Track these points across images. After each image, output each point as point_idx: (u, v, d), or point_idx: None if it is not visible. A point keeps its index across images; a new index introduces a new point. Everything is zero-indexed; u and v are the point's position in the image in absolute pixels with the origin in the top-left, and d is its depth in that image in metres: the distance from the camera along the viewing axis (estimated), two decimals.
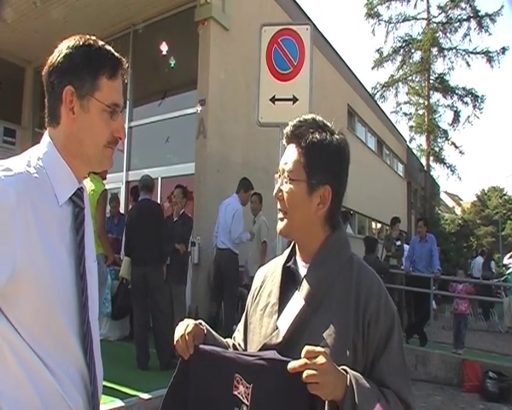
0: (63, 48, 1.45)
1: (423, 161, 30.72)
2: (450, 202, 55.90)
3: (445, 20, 28.41)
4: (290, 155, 1.60)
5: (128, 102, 11.35)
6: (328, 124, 1.64)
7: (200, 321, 1.62)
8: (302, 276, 1.57)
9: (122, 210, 10.26)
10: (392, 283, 10.74)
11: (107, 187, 10.13)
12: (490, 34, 28.39)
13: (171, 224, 7.18)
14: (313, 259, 1.57)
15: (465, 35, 28.24)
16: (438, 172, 36.69)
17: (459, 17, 28.27)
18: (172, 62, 10.67)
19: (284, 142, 1.65)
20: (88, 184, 5.63)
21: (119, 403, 4.63)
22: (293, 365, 1.32)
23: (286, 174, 1.58)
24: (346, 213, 10.64)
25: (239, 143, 9.96)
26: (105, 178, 6.13)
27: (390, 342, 1.46)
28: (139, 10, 10.73)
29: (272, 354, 1.45)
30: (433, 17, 28.88)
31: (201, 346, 1.54)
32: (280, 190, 1.59)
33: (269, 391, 1.40)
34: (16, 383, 1.30)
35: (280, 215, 1.62)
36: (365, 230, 19.97)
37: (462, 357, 8.80)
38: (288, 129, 1.62)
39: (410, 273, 10.17)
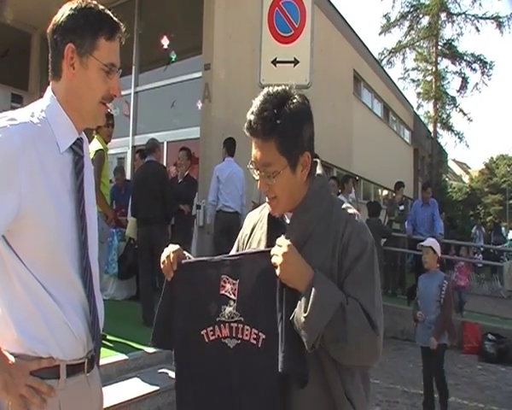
0: (66, 9, 1.58)
1: (431, 127, 30.49)
2: (458, 170, 55.64)
3: None
4: (264, 151, 1.63)
5: (134, 68, 11.35)
6: (280, 89, 1.66)
7: (185, 252, 1.77)
8: (288, 224, 1.71)
9: (128, 174, 10.39)
10: (395, 246, 10.89)
11: (113, 151, 10.29)
12: None
13: (175, 185, 7.31)
14: (297, 208, 1.69)
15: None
16: (445, 139, 36.45)
17: None
18: (173, 56, 10.71)
19: (246, 132, 1.67)
20: (93, 145, 5.62)
21: (125, 356, 4.82)
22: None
23: (268, 170, 1.63)
24: (348, 177, 10.71)
25: (244, 108, 9.67)
26: (108, 142, 6.10)
27: (358, 262, 1.57)
28: None
29: (253, 249, 1.68)
30: None
31: (185, 261, 1.72)
32: (266, 185, 1.66)
33: (252, 282, 1.60)
34: (25, 309, 1.47)
35: (268, 199, 1.71)
36: (371, 196, 19.98)
37: (462, 320, 8.96)
38: (252, 124, 1.63)
39: (411, 237, 10.22)
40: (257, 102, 1.65)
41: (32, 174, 1.43)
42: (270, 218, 1.78)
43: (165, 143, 10.18)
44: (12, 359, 1.43)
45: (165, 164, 9.70)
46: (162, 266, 1.71)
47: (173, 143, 10.03)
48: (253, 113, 1.64)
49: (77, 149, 1.61)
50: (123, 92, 10.85)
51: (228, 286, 1.62)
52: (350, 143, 16.50)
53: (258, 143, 1.64)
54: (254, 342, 1.58)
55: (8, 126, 1.42)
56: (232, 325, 1.61)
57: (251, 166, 1.69)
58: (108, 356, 4.67)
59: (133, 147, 11.04)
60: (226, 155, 8.06)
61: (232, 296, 1.61)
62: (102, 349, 1.70)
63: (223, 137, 9.08)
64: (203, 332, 1.65)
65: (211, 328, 1.64)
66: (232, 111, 9.63)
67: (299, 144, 1.63)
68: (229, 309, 1.61)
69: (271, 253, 1.56)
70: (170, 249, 1.72)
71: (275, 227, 1.73)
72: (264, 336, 1.57)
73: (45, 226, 1.46)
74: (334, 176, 10.78)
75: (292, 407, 1.57)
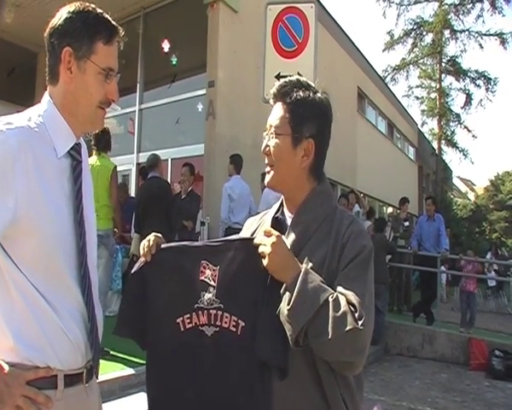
0: (64, 12, 1.56)
1: (435, 145, 30.52)
2: (463, 187, 55.45)
3: (457, 2, 27.68)
4: (276, 112, 1.72)
5: (138, 85, 11.48)
6: (312, 84, 1.74)
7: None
8: (289, 225, 1.69)
9: (132, 191, 10.41)
10: (401, 263, 10.83)
11: (118, 169, 10.37)
12: (503, 15, 28.11)
13: (179, 201, 7.31)
14: (298, 209, 1.69)
15: (478, 16, 27.67)
16: (450, 156, 36.51)
17: None
18: (174, 60, 10.82)
19: (271, 101, 1.76)
20: (96, 162, 5.81)
21: (130, 371, 4.80)
22: (255, 241, 1.58)
23: (272, 130, 1.69)
24: (349, 192, 10.76)
25: (248, 124, 10.02)
26: None
27: (352, 262, 1.55)
28: None
29: (235, 236, 1.68)
30: None
31: (165, 245, 1.69)
32: (267, 146, 1.71)
33: (233, 269, 1.58)
34: (21, 318, 1.43)
35: (267, 169, 1.73)
36: (376, 213, 19.93)
37: (469, 336, 8.88)
38: (274, 89, 1.74)
39: (417, 253, 10.19)
40: (285, 79, 1.75)
41: (29, 179, 1.40)
42: (273, 219, 1.78)
43: (169, 161, 10.23)
44: (7, 368, 1.40)
45: (169, 181, 9.73)
46: (141, 249, 1.68)
47: (178, 160, 10.06)
48: (277, 85, 1.74)
49: (75, 154, 1.59)
50: (128, 110, 11.12)
51: (208, 272, 1.59)
52: (354, 160, 16.51)
53: (275, 106, 1.74)
54: (234, 329, 1.56)
55: (5, 130, 1.40)
56: (211, 311, 1.58)
57: (265, 132, 1.74)
58: (111, 371, 4.64)
59: (137, 164, 11.11)
60: (234, 172, 8.04)
61: (212, 283, 1.59)
62: (105, 364, 1.68)
63: (227, 153, 9.10)
64: (179, 320, 1.61)
65: (188, 315, 1.60)
66: (236, 128, 9.67)
67: (306, 126, 1.67)
68: (208, 296, 1.58)
69: (258, 242, 1.56)
70: (151, 234, 1.71)
71: (277, 228, 1.70)
72: (243, 324, 1.55)
73: (42, 232, 1.44)
74: (344, 194, 10.73)
75: (284, 401, 1.54)
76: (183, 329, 1.61)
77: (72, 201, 1.54)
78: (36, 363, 1.44)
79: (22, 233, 1.42)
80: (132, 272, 1.69)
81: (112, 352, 5.07)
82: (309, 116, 1.67)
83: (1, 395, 1.36)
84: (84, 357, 1.55)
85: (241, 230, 6.10)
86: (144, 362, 4.99)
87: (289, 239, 1.63)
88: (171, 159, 10.33)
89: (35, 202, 1.42)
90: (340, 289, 1.50)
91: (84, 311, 1.55)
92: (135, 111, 11.44)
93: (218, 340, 1.57)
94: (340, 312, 1.42)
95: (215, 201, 8.91)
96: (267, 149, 1.71)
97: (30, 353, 1.43)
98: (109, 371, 4.57)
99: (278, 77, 5.07)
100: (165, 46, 11.14)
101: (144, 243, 1.68)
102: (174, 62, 11.11)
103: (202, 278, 1.60)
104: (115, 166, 5.96)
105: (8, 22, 9.76)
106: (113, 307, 7.71)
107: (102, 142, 5.92)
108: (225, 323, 1.56)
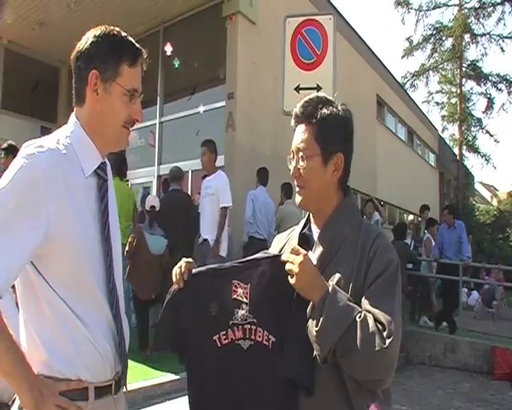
0: (90, 36, 1.64)
1: (456, 150, 30.16)
2: (485, 193, 54.71)
3: (477, 6, 27.13)
4: (301, 134, 1.74)
5: (159, 98, 11.61)
6: (331, 98, 1.79)
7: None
8: (316, 240, 1.73)
9: None
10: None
11: (139, 181, 10.60)
12: None
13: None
14: (324, 223, 1.73)
15: (499, 19, 27.07)
16: (472, 161, 35.97)
17: (492, 1, 26.82)
18: (176, 63, 10.95)
19: (293, 123, 1.79)
20: (117, 185, 6.10)
21: (153, 382, 4.86)
22: (282, 258, 1.61)
23: (300, 153, 1.72)
24: (366, 200, 10.77)
25: (267, 135, 10.08)
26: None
27: (380, 278, 1.57)
28: (169, 8, 10.98)
29: (263, 253, 1.72)
30: (465, 3, 27.66)
31: (196, 270, 1.74)
32: (297, 169, 1.74)
33: (263, 286, 1.62)
34: (53, 332, 1.51)
35: (297, 189, 1.77)
36: (396, 221, 19.80)
37: (493, 344, 8.73)
38: (296, 110, 1.77)
39: (438, 261, 10.10)
40: (304, 98, 1.79)
41: (59, 199, 1.47)
42: (300, 235, 1.82)
43: (189, 172, 10.31)
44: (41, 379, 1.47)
45: (189, 193, 9.82)
46: (173, 276, 1.72)
47: (198, 172, 10.14)
48: (299, 106, 1.78)
49: (101, 173, 1.66)
50: (148, 123, 11.27)
51: (240, 290, 1.65)
52: (374, 168, 16.45)
53: (299, 129, 1.76)
54: (266, 343, 1.61)
55: (36, 153, 1.47)
56: (246, 326, 1.63)
57: (290, 156, 1.78)
58: (135, 382, 4.70)
59: (158, 176, 11.24)
60: (258, 183, 8.16)
61: (244, 300, 1.64)
62: (129, 375, 1.73)
63: (247, 164, 9.18)
64: (215, 337, 1.66)
65: (223, 332, 1.65)
66: (256, 138, 9.73)
67: (334, 141, 1.71)
68: (242, 312, 1.63)
69: (285, 259, 1.59)
70: (180, 264, 1.74)
71: (304, 244, 1.74)
72: (273, 339, 1.61)
73: (71, 250, 1.50)
74: (370, 198, 10.78)
75: None
76: (219, 345, 1.66)
77: (98, 218, 1.61)
78: (67, 376, 1.50)
79: (53, 251, 1.49)
80: (166, 300, 1.74)
81: (134, 362, 5.15)
82: (336, 131, 1.72)
83: (36, 403, 1.42)
84: (113, 369, 1.61)
85: (262, 240, 6.18)
86: (167, 374, 5.09)
87: (316, 254, 1.67)
88: (192, 170, 10.41)
89: (65, 221, 1.49)
90: (367, 306, 1.53)
91: (113, 324, 1.61)
92: (155, 124, 11.57)
93: (254, 353, 1.62)
94: (368, 332, 1.46)
95: (235, 211, 8.95)
96: (297, 172, 1.74)
97: (62, 366, 1.50)
98: (133, 381, 4.64)
99: (298, 89, 5.12)
100: (185, 59, 11.28)
101: (176, 269, 1.72)
102: (176, 65, 11.25)
103: (235, 296, 1.65)
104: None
105: (8, 23, 9.95)
106: (133, 318, 7.78)
107: (124, 169, 6.66)
108: (259, 337, 1.62)
